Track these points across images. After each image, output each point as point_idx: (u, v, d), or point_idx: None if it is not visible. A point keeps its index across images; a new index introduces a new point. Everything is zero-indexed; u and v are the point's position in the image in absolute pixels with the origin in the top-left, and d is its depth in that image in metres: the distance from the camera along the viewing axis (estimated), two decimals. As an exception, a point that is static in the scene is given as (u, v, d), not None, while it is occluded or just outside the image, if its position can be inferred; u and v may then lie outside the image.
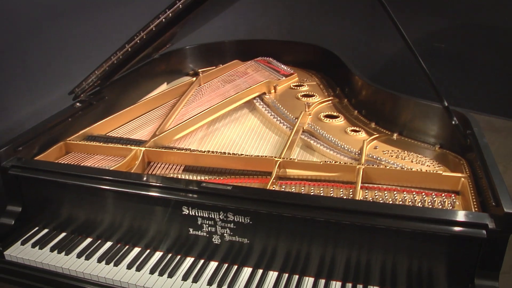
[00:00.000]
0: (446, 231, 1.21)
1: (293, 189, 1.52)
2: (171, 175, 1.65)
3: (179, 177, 1.64)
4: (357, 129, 1.95)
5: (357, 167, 1.55)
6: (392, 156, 1.74)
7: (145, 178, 1.46)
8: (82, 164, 1.68)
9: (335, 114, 2.09)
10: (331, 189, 1.52)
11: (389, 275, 1.29)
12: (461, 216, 1.23)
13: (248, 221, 1.36)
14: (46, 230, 1.59)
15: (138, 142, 1.78)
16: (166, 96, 2.23)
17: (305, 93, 2.34)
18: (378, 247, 1.28)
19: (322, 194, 1.49)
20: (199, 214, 1.40)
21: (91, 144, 1.75)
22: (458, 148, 1.72)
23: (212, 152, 1.67)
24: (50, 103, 2.30)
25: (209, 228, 1.41)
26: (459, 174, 1.51)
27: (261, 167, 1.61)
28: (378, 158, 1.70)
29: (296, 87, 2.42)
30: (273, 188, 1.50)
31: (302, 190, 1.52)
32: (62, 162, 1.71)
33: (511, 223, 1.18)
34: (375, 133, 1.92)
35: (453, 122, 1.65)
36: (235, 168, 1.65)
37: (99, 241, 1.54)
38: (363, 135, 1.92)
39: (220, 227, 1.39)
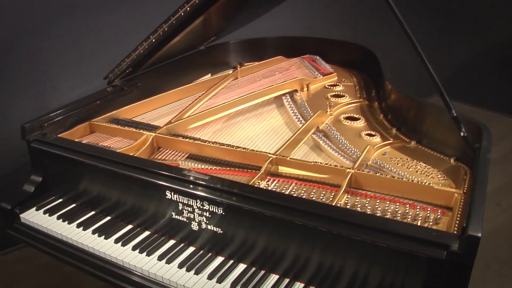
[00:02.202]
0: (404, 246, 1.15)
1: (277, 186, 1.53)
2: (175, 161, 1.74)
3: (181, 163, 1.72)
4: (373, 133, 1.89)
5: (347, 171, 1.51)
6: (398, 164, 1.67)
7: (133, 161, 1.56)
8: (100, 144, 1.83)
9: (356, 116, 2.04)
10: (314, 190, 1.50)
11: (349, 285, 1.26)
12: (424, 233, 1.16)
13: (221, 211, 1.40)
14: (60, 200, 1.77)
15: (153, 128, 1.89)
16: (199, 87, 2.32)
17: (336, 93, 2.30)
18: (335, 254, 1.25)
19: (302, 194, 1.48)
20: (180, 200, 1.47)
21: (111, 126, 1.90)
22: (471, 162, 1.60)
23: (213, 143, 1.73)
24: (98, 86, 2.51)
25: (188, 214, 1.47)
26: (453, 190, 1.41)
27: (255, 162, 1.64)
28: (381, 165, 1.65)
29: (330, 87, 2.39)
30: (258, 183, 1.52)
31: (284, 188, 1.52)
32: (85, 140, 1.87)
33: (473, 247, 1.09)
34: (391, 139, 1.85)
35: (462, 134, 1.55)
36: (233, 160, 1.69)
37: (100, 215, 1.67)
38: (378, 139, 1.85)
39: (197, 214, 1.45)
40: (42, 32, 2.46)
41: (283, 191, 1.49)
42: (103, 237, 1.57)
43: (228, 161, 1.71)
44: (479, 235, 1.08)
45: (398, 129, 1.94)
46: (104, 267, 1.51)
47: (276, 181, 1.56)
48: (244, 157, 1.67)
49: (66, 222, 1.65)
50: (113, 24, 2.67)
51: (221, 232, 1.43)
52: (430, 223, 1.33)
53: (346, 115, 2.05)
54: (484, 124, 1.62)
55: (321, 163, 1.57)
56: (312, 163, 1.57)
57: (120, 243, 1.54)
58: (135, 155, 1.69)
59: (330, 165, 1.55)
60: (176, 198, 1.47)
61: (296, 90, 2.34)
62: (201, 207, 1.43)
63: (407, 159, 1.70)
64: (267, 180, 1.57)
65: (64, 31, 2.51)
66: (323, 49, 2.71)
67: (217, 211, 1.41)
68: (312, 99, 2.27)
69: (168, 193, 1.48)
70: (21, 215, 1.70)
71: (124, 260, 1.47)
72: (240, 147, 1.69)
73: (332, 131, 1.90)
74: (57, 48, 2.52)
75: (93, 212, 1.70)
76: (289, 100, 2.23)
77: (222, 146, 1.70)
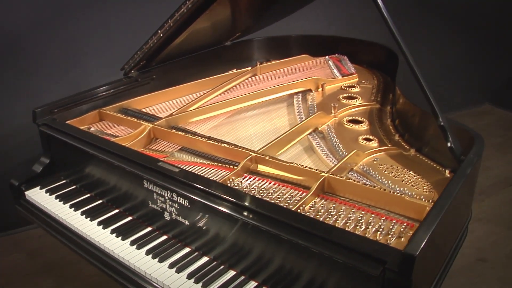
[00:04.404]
0: (343, 257, 1.11)
1: (249, 184, 1.53)
2: (166, 153, 1.79)
3: (170, 155, 1.77)
4: (371, 138, 1.83)
5: (320, 174, 1.48)
6: (385, 171, 1.60)
7: (116, 149, 1.64)
8: (104, 131, 1.94)
9: (360, 119, 1.98)
10: (284, 191, 1.49)
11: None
12: (366, 245, 1.12)
13: (187, 204, 1.44)
14: (63, 182, 1.90)
15: (156, 119, 1.95)
16: (215, 81, 2.35)
17: (349, 95, 2.25)
18: (282, 256, 1.24)
19: (270, 194, 1.47)
20: (154, 190, 1.52)
21: (116, 115, 2.00)
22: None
23: (201, 137, 1.76)
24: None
25: (162, 204, 1.52)
26: (425, 203, 1.34)
27: (238, 158, 1.64)
28: (367, 171, 1.60)
29: (347, 88, 2.34)
30: (232, 179, 1.54)
31: (255, 186, 1.51)
32: (93, 127, 1.99)
33: (408, 266, 1.03)
34: (389, 145, 1.78)
35: (448, 144, 1.46)
36: (218, 155, 1.72)
37: (92, 199, 1.77)
38: (375, 144, 1.79)
39: (169, 205, 1.50)
40: (75, 21, 2.62)
41: (252, 189, 1.49)
42: (88, 219, 1.67)
43: (216, 156, 1.73)
44: (415, 254, 1.02)
45: (401, 136, 1.86)
46: (84, 247, 1.60)
47: (251, 178, 1.57)
48: (228, 153, 1.69)
49: (62, 202, 1.77)
50: (145, 13, 2.77)
51: (188, 224, 1.47)
52: (390, 236, 1.27)
53: (350, 117, 2.00)
54: (479, 135, 1.52)
55: (297, 164, 1.55)
56: (288, 164, 1.55)
57: (101, 226, 1.62)
58: (128, 144, 1.76)
59: (306, 167, 1.53)
60: (152, 188, 1.53)
61: (310, 90, 2.32)
62: (171, 198, 1.48)
63: (397, 167, 1.63)
64: (243, 177, 1.58)
65: (97, 20, 2.66)
66: (349, 49, 2.65)
67: (184, 203, 1.45)
68: (324, 99, 2.23)
69: (145, 183, 1.54)
70: (26, 192, 1.84)
71: (100, 241, 1.56)
72: (226, 143, 1.71)
73: (330, 133, 1.86)
74: (90, 37, 2.67)
75: (88, 195, 1.80)
76: (299, 99, 2.21)
77: (209, 141, 1.73)
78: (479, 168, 1.53)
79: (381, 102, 2.18)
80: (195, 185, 1.41)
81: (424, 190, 1.50)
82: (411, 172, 1.60)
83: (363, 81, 2.43)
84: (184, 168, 1.61)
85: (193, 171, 1.60)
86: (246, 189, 1.49)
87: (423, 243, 1.05)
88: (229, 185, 1.50)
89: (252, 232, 1.30)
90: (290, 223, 1.20)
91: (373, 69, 2.60)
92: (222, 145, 1.70)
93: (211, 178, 1.55)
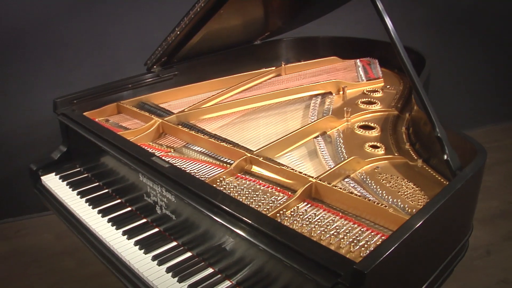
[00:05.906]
0: (299, 265, 1.09)
1: (237, 183, 1.53)
2: (171, 148, 1.83)
3: (178, 150, 1.81)
4: (378, 145, 1.76)
5: (308, 179, 1.45)
6: (382, 181, 1.55)
7: (118, 142, 1.69)
8: (119, 124, 2.02)
9: (372, 125, 1.92)
10: (270, 193, 1.47)
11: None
12: (324, 255, 1.08)
13: (174, 199, 1.46)
14: (77, 170, 1.99)
15: (167, 115, 2.00)
16: (237, 80, 2.37)
17: (369, 99, 2.18)
18: (253, 260, 1.23)
19: (255, 196, 1.46)
20: (148, 183, 1.56)
21: (132, 108, 2.07)
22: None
23: (203, 135, 1.78)
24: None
25: (154, 198, 1.56)
26: (407, 217, 1.27)
27: (233, 158, 1.65)
28: (364, 179, 1.55)
29: (369, 93, 2.27)
30: (223, 178, 1.54)
31: (243, 187, 1.51)
32: (111, 119, 2.07)
33: (358, 282, 0.98)
34: (396, 154, 1.71)
35: (445, 157, 1.38)
36: (217, 153, 1.73)
37: (100, 187, 1.85)
38: (381, 152, 1.73)
39: (159, 199, 1.54)
40: (108, 15, 2.73)
41: (239, 189, 1.49)
42: (91, 207, 1.74)
43: (217, 154, 1.75)
44: (366, 271, 0.97)
45: (412, 145, 1.78)
46: (83, 232, 1.68)
47: (242, 178, 1.57)
48: (226, 152, 1.69)
49: (71, 189, 1.86)
50: (178, 4, 2.82)
51: (175, 218, 1.49)
52: (364, 249, 1.22)
53: (362, 123, 1.94)
54: (482, 149, 1.42)
55: (287, 168, 1.52)
56: (279, 167, 1.53)
57: (100, 214, 1.69)
58: (136, 138, 1.82)
59: (295, 171, 1.51)
60: (146, 182, 1.57)
61: (330, 93, 2.27)
62: (161, 192, 1.51)
63: (397, 178, 1.56)
64: (235, 176, 1.58)
65: (128, 16, 2.75)
66: (381, 52, 2.57)
67: (171, 199, 1.47)
68: (343, 103, 2.18)
69: (140, 176, 1.59)
70: (42, 177, 1.96)
71: (96, 229, 1.62)
72: (226, 141, 1.72)
73: (338, 138, 1.82)
74: (122, 32, 2.77)
75: (96, 184, 1.88)
76: (317, 102, 2.18)
77: (210, 139, 1.75)
78: (479, 182, 1.43)
79: (400, 108, 2.10)
80: (179, 181, 1.43)
81: (419, 203, 1.43)
82: (410, 183, 1.53)
83: (388, 86, 2.34)
84: (181, 164, 1.64)
85: (188, 168, 1.63)
86: (233, 189, 1.49)
87: (379, 260, 0.99)
88: (218, 183, 1.51)
89: (227, 231, 1.30)
90: (255, 225, 1.19)
91: (402, 72, 2.50)
92: (222, 143, 1.71)
93: (207, 176, 1.57)
